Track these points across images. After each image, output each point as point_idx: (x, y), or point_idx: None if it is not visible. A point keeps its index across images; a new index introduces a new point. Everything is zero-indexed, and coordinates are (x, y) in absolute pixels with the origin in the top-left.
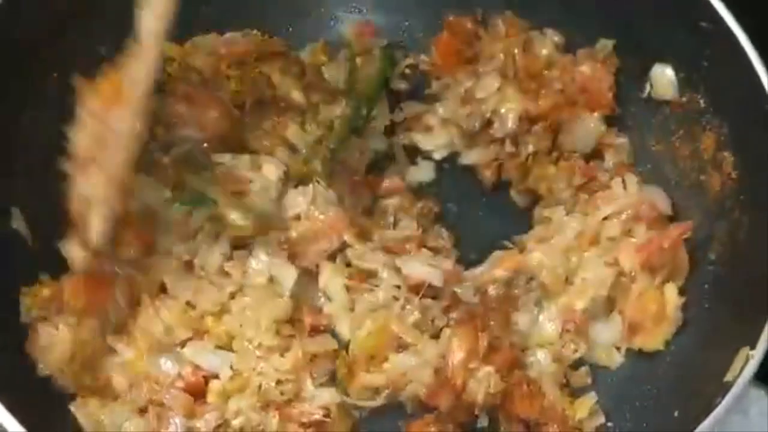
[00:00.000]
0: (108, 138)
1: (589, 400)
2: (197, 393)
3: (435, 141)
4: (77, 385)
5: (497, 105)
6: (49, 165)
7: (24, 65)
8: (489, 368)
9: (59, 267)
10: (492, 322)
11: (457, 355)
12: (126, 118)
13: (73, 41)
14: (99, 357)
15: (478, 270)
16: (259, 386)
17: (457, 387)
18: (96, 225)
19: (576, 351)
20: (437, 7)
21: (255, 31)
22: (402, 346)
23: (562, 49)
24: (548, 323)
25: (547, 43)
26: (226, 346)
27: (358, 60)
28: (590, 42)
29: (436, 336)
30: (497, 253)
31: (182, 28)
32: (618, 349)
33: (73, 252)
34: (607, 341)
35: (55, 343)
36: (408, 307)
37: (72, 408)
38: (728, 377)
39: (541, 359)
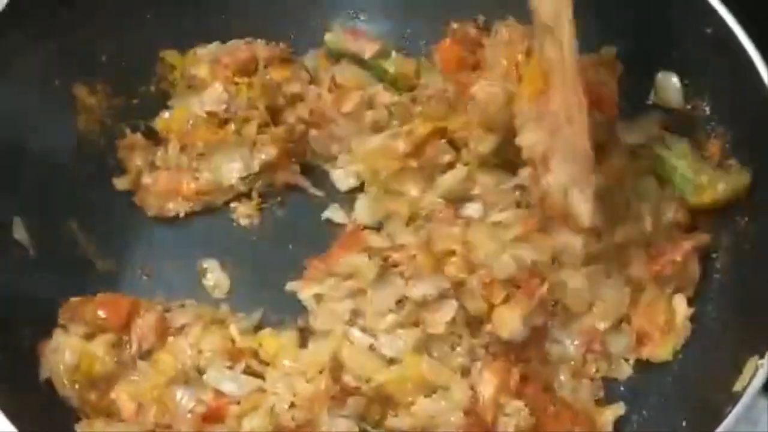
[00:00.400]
0: (555, 126)
1: (618, 409)
2: (215, 419)
3: None
4: (80, 400)
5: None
6: (50, 174)
7: (26, 73)
8: (519, 403)
9: (60, 275)
10: (531, 353)
11: (488, 391)
12: (563, 99)
13: (73, 48)
14: (109, 377)
15: None
16: (272, 408)
17: (487, 424)
18: (584, 207)
19: (597, 371)
20: (438, 13)
21: (258, 40)
22: (432, 388)
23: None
24: (569, 343)
25: (552, 47)
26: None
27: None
28: (595, 48)
29: (466, 372)
30: None
31: (184, 38)
32: (626, 360)
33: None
34: (617, 353)
35: (63, 348)
36: (458, 348)
37: (77, 429)
38: (737, 387)
39: (563, 379)
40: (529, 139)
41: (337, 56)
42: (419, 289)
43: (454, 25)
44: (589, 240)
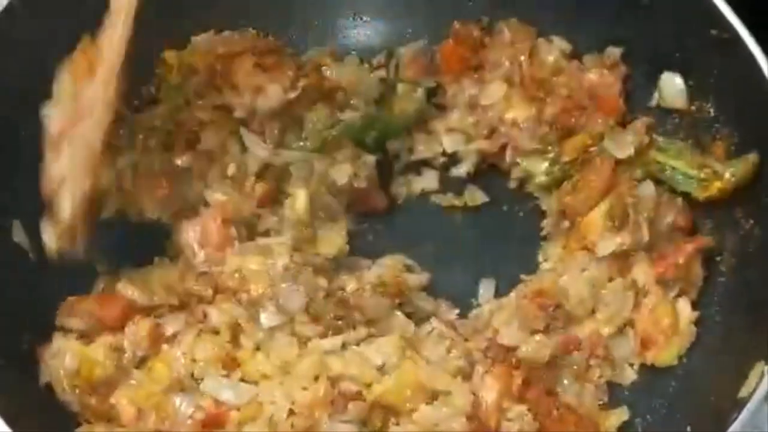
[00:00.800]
0: (81, 112)
1: (622, 414)
2: (215, 425)
3: (438, 149)
4: (81, 405)
5: (503, 112)
6: None
7: (21, 74)
8: (522, 408)
9: (60, 278)
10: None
11: (491, 396)
12: (100, 90)
13: (68, 49)
14: (109, 381)
15: (504, 301)
16: (271, 417)
17: (490, 429)
18: (67, 203)
19: (601, 376)
20: (441, 14)
21: (250, 30)
22: (433, 395)
23: (569, 56)
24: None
25: (554, 50)
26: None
27: (400, 86)
28: (599, 49)
29: (467, 376)
30: (521, 287)
31: (185, 40)
32: (631, 365)
33: (47, 233)
34: (621, 358)
35: (63, 352)
36: (453, 351)
37: None
38: (743, 393)
39: (566, 383)
40: (55, 115)
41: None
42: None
43: (457, 26)
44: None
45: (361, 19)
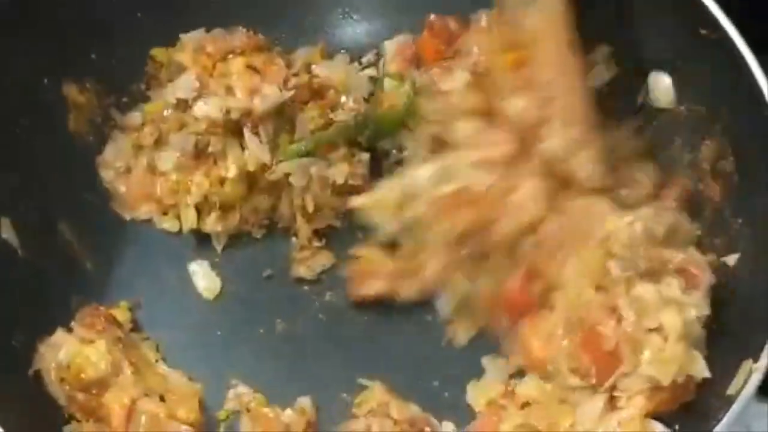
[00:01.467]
0: (550, 93)
1: None
2: None
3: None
4: (68, 400)
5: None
6: (39, 174)
7: (15, 71)
8: None
9: (49, 275)
10: None
11: None
12: (555, 68)
13: (64, 46)
14: (100, 383)
15: None
16: None
17: None
18: (591, 167)
19: None
20: (432, 12)
21: (240, 29)
22: None
23: None
24: None
25: None
26: None
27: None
28: (588, 48)
29: None
30: None
31: (174, 37)
32: None
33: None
34: None
35: (60, 345)
36: None
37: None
38: (731, 391)
39: None
40: (516, 107)
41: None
42: None
43: (432, 18)
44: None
45: (351, 17)
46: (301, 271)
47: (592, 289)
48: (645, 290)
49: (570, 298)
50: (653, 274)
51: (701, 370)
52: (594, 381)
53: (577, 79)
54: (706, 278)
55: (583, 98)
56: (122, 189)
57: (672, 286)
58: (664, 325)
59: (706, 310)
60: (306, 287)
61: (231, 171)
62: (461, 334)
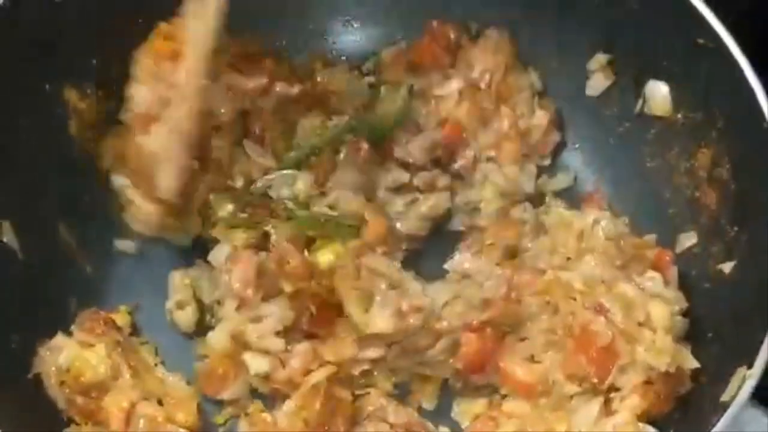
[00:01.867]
0: (170, 95)
1: None
2: None
3: None
4: (67, 403)
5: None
6: (40, 177)
7: (17, 76)
8: None
9: (48, 278)
10: None
11: None
12: (187, 76)
13: (65, 52)
14: (99, 386)
15: None
16: None
17: None
18: (165, 180)
19: None
20: (430, 20)
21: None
22: None
23: (536, 91)
24: None
25: (523, 83)
26: None
27: (383, 89)
28: (586, 56)
29: None
30: None
31: None
32: None
33: (145, 207)
34: None
35: (60, 348)
36: None
37: None
38: (725, 398)
39: None
40: (140, 94)
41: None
42: None
43: (434, 24)
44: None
45: (353, 25)
46: None
47: (566, 302)
48: (627, 288)
49: (542, 327)
50: (629, 268)
51: (690, 361)
52: (595, 380)
53: (198, 98)
54: (674, 271)
55: (194, 118)
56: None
57: (655, 281)
58: (652, 318)
59: (684, 303)
60: None
61: (238, 181)
62: (426, 400)
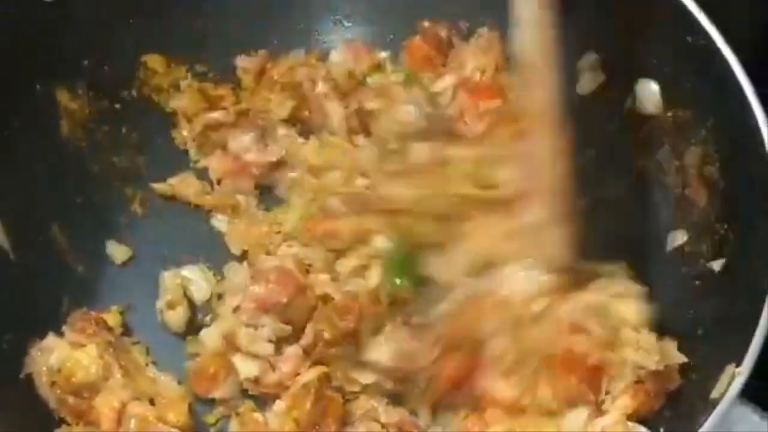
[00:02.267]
0: (537, 166)
1: None
2: None
3: None
4: (58, 403)
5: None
6: (32, 178)
7: (7, 77)
8: None
9: (40, 279)
10: None
11: None
12: (547, 142)
13: (56, 53)
14: (90, 387)
15: None
16: None
17: None
18: (559, 244)
19: None
20: (421, 19)
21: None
22: None
23: None
24: None
25: (514, 81)
26: None
27: None
28: (575, 55)
29: None
30: None
31: (166, 43)
32: None
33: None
34: None
35: (51, 349)
36: None
37: None
38: (714, 395)
39: None
40: (508, 176)
41: None
42: None
43: (426, 24)
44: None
45: (343, 24)
46: None
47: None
48: (588, 297)
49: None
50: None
51: (678, 356)
52: (591, 397)
53: (562, 158)
54: None
55: (566, 177)
56: None
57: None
58: (626, 318)
59: (639, 287)
60: None
61: None
62: (423, 415)
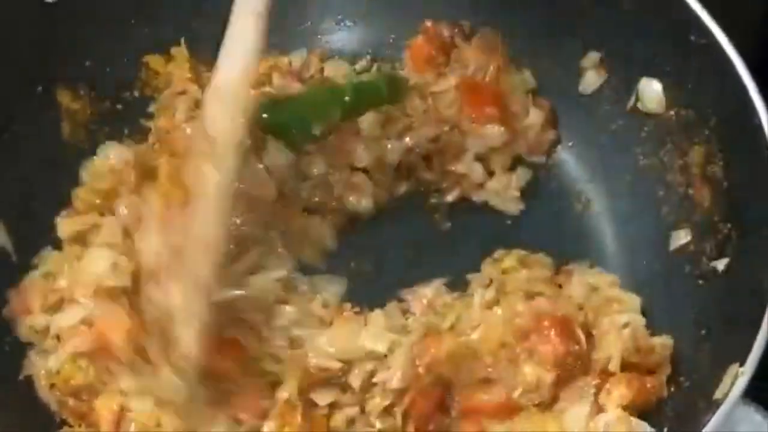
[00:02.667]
0: (183, 246)
1: None
2: None
3: None
4: (58, 403)
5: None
6: (33, 178)
7: (8, 78)
8: None
9: None
10: None
11: None
12: (202, 227)
13: (57, 54)
14: (90, 389)
15: None
16: None
17: None
18: (187, 340)
19: None
20: (423, 20)
21: None
22: None
23: (529, 89)
24: None
25: (517, 82)
26: None
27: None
28: (578, 54)
29: None
30: None
31: (167, 44)
32: None
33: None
34: None
35: (50, 352)
36: None
37: None
38: (717, 395)
39: None
40: (150, 244)
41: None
42: None
43: (428, 24)
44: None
45: (345, 24)
46: None
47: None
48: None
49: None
50: None
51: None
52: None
53: (215, 251)
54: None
55: (211, 270)
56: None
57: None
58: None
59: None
60: None
61: None
62: None
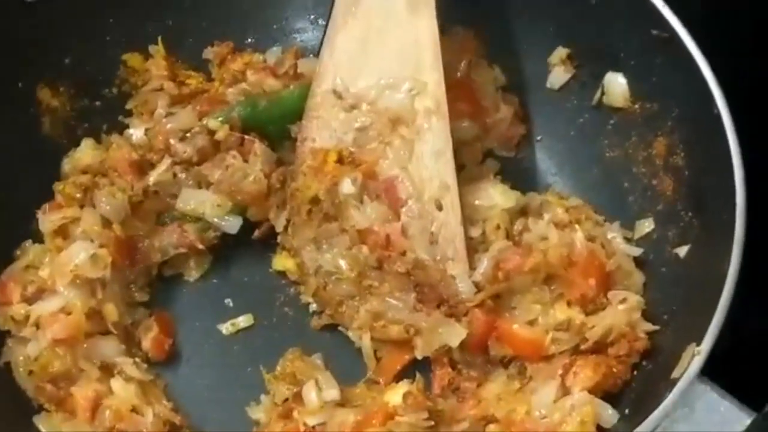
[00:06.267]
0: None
1: None
2: None
3: None
4: (35, 390)
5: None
6: (13, 174)
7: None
8: None
9: None
10: None
11: None
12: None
13: (38, 51)
14: (67, 376)
15: None
16: None
17: None
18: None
19: None
20: None
21: None
22: None
23: (499, 85)
24: None
25: (487, 79)
26: None
27: None
28: (546, 50)
29: None
30: None
31: (146, 41)
32: None
33: None
34: None
35: (29, 339)
36: None
37: (36, 421)
38: (675, 374)
39: None
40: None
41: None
42: None
43: None
44: None
45: (318, 23)
46: None
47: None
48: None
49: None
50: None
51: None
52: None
53: None
54: None
55: None
56: None
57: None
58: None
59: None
60: None
61: None
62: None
